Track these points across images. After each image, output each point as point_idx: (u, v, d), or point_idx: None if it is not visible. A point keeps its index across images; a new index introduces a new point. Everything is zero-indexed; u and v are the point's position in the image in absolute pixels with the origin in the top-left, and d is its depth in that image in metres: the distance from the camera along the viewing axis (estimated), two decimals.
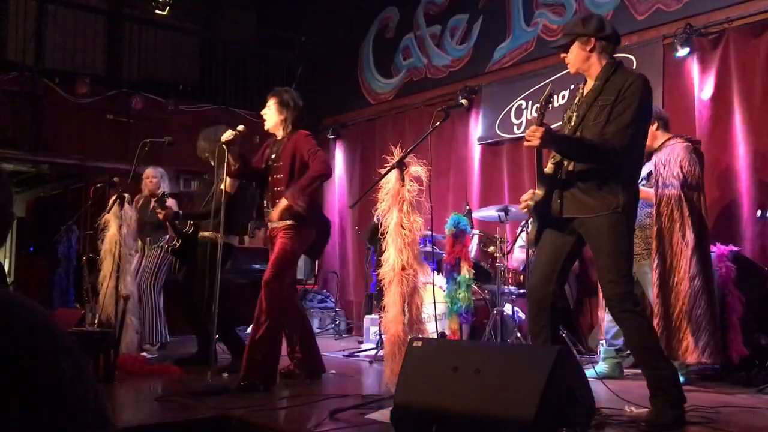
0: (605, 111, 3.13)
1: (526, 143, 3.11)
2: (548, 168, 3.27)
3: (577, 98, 3.33)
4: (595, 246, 3.19)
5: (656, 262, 4.28)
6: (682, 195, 4.26)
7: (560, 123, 3.46)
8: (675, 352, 4.15)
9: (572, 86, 3.50)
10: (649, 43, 5.96)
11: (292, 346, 4.52)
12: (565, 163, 3.22)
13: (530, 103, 6.79)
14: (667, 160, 4.38)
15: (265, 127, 4.46)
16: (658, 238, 4.29)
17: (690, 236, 4.21)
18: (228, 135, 4.18)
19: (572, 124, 3.25)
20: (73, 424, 0.83)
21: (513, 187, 6.75)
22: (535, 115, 3.15)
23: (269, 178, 4.35)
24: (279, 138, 4.43)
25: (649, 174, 4.46)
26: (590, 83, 3.28)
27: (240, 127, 4.24)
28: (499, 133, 7.06)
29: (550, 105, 3.18)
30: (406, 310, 3.52)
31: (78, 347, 0.89)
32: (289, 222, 4.19)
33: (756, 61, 5.30)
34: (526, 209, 3.34)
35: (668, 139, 4.49)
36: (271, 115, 4.40)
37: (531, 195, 3.30)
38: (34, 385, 0.80)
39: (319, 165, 4.20)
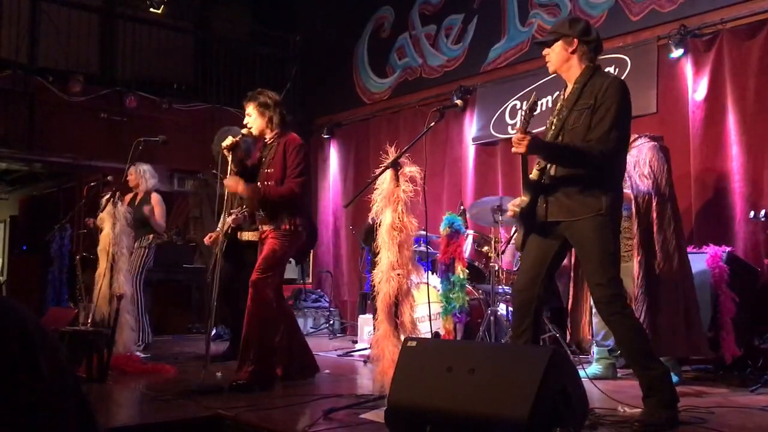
0: (584, 115, 3.16)
1: (513, 150, 3.13)
2: (533, 174, 3.29)
3: (559, 104, 3.36)
4: (581, 249, 3.20)
5: (638, 264, 4.29)
6: (653, 194, 4.33)
7: (543, 128, 3.46)
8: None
9: (556, 93, 3.52)
10: (644, 44, 5.98)
11: (279, 347, 4.47)
12: (549, 167, 3.24)
13: (525, 103, 6.77)
14: (636, 161, 4.43)
15: (254, 134, 4.38)
16: (639, 237, 4.32)
17: (659, 235, 4.26)
18: (228, 140, 4.23)
19: (553, 129, 3.27)
20: (51, 424, 0.83)
21: (507, 187, 6.76)
22: (519, 122, 3.15)
23: (260, 183, 4.32)
24: (268, 141, 4.38)
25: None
26: (569, 87, 3.31)
27: (243, 131, 4.31)
28: (494, 133, 7.07)
29: (535, 112, 3.18)
30: (399, 311, 3.51)
31: (61, 348, 0.89)
32: (285, 227, 4.20)
33: (749, 63, 5.32)
34: (513, 215, 3.36)
35: (633, 140, 4.52)
36: (255, 121, 4.33)
37: (519, 202, 3.32)
38: (10, 384, 0.79)
39: (294, 188, 4.16)
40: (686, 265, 4.32)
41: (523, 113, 3.14)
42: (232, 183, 4.19)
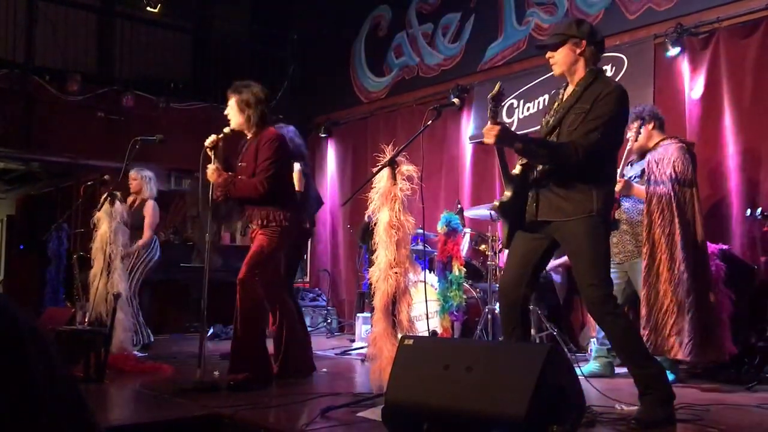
0: (580, 118, 3.13)
1: (484, 140, 3.12)
2: (516, 169, 3.27)
3: (556, 103, 3.33)
4: (572, 250, 3.19)
5: (646, 260, 4.29)
6: (673, 194, 4.28)
7: (538, 127, 3.44)
8: (660, 348, 4.17)
9: (552, 91, 3.49)
10: (640, 43, 5.99)
11: (277, 345, 4.44)
12: (537, 165, 3.22)
13: (522, 101, 6.81)
14: (660, 158, 4.40)
15: (231, 127, 4.26)
16: (647, 235, 4.31)
17: (680, 235, 4.23)
18: (210, 139, 4.16)
19: (548, 128, 3.26)
20: (45, 423, 0.83)
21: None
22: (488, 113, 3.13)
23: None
24: (248, 137, 4.31)
25: (643, 171, 4.49)
26: (570, 88, 3.28)
27: (226, 129, 4.22)
28: None
29: (502, 101, 3.16)
30: (396, 309, 3.52)
31: (54, 347, 0.89)
32: (266, 220, 4.14)
33: (746, 61, 5.33)
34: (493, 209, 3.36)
35: (663, 140, 4.52)
36: (234, 115, 4.24)
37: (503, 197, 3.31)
38: (1, 384, 0.79)
39: (257, 185, 4.05)
40: (700, 270, 4.29)
41: (489, 103, 3.11)
42: (209, 172, 4.15)
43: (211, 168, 4.15)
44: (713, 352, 4.26)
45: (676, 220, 4.25)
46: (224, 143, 4.26)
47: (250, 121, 4.22)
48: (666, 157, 4.39)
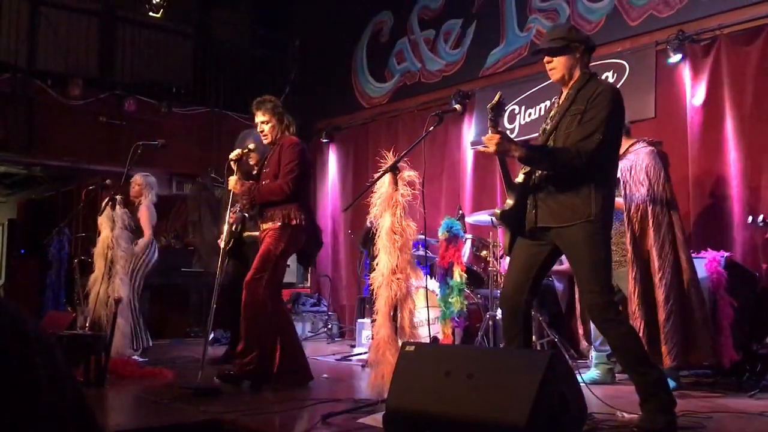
0: (576, 120, 3.14)
1: (481, 149, 3.13)
2: (519, 177, 3.27)
3: (553, 110, 3.34)
4: (572, 256, 3.18)
5: (634, 271, 4.28)
6: (649, 200, 4.30)
7: (537, 134, 3.45)
8: (657, 358, 4.16)
9: (554, 98, 3.50)
10: (642, 49, 5.99)
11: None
12: (537, 171, 3.23)
13: (523, 107, 6.81)
14: (632, 166, 4.40)
15: (271, 139, 4.44)
16: (632, 246, 4.30)
17: (656, 242, 4.23)
18: (235, 153, 4.38)
19: (545, 134, 3.27)
20: (48, 426, 0.82)
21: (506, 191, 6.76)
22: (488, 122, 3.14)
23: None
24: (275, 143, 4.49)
25: (617, 180, 4.48)
26: (565, 93, 3.29)
27: (251, 145, 4.44)
28: None
29: (502, 110, 3.17)
30: (398, 315, 3.51)
31: (58, 350, 0.88)
32: (278, 224, 4.23)
33: (747, 68, 5.33)
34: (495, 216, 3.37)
35: (631, 145, 4.51)
36: (274, 128, 4.42)
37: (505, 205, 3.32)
38: (7, 386, 0.79)
39: (283, 186, 4.23)
40: (689, 272, 4.29)
41: (489, 113, 3.12)
42: (231, 182, 4.37)
43: (233, 179, 4.37)
44: (696, 355, 4.25)
45: (651, 230, 4.26)
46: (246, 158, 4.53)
47: (290, 129, 4.45)
48: (638, 163, 4.39)
